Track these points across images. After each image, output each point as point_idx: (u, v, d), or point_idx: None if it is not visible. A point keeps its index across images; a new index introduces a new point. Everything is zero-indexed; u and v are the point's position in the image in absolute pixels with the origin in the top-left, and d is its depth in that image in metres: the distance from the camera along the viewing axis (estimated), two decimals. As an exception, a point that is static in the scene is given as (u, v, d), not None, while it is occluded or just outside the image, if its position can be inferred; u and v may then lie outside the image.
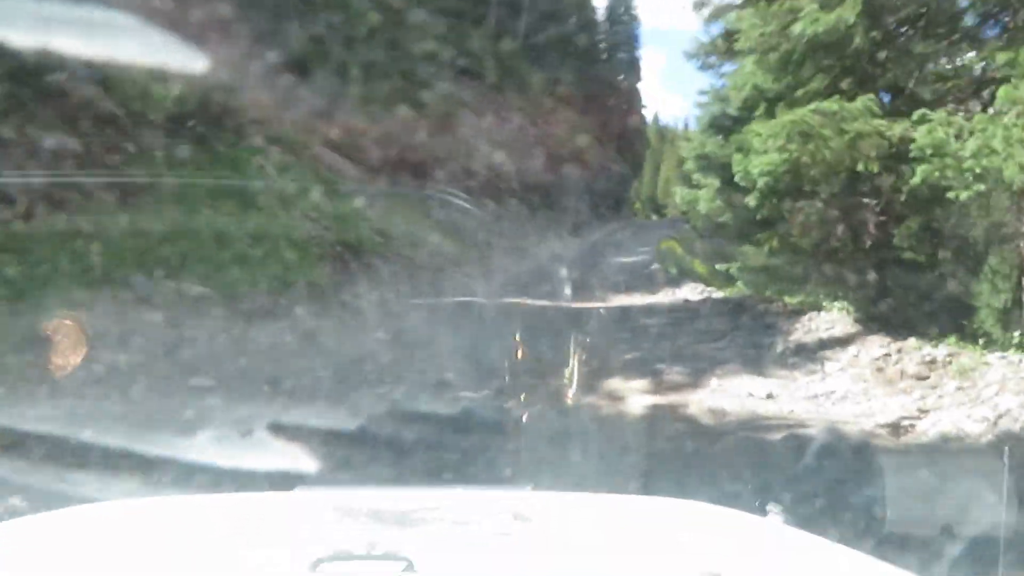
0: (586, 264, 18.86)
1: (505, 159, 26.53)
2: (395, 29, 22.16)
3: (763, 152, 7.18)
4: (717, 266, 14.05)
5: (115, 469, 4.03)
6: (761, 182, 7.27)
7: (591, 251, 23.53)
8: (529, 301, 13.08)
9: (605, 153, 39.76)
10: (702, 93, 15.10)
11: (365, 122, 20.89)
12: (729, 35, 13.77)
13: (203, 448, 4.29)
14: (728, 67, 15.67)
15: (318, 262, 12.06)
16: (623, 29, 48.45)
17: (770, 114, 7.89)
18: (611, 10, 48.15)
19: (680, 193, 14.39)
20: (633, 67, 48.10)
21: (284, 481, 2.05)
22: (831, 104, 6.81)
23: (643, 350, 7.17)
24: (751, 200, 8.11)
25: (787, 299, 10.84)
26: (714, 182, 11.99)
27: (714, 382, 6.01)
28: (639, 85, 49.06)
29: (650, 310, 10.63)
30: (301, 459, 4.08)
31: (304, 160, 17.96)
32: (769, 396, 5.44)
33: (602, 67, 44.73)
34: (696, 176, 15.10)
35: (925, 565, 2.25)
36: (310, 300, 10.17)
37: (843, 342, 6.53)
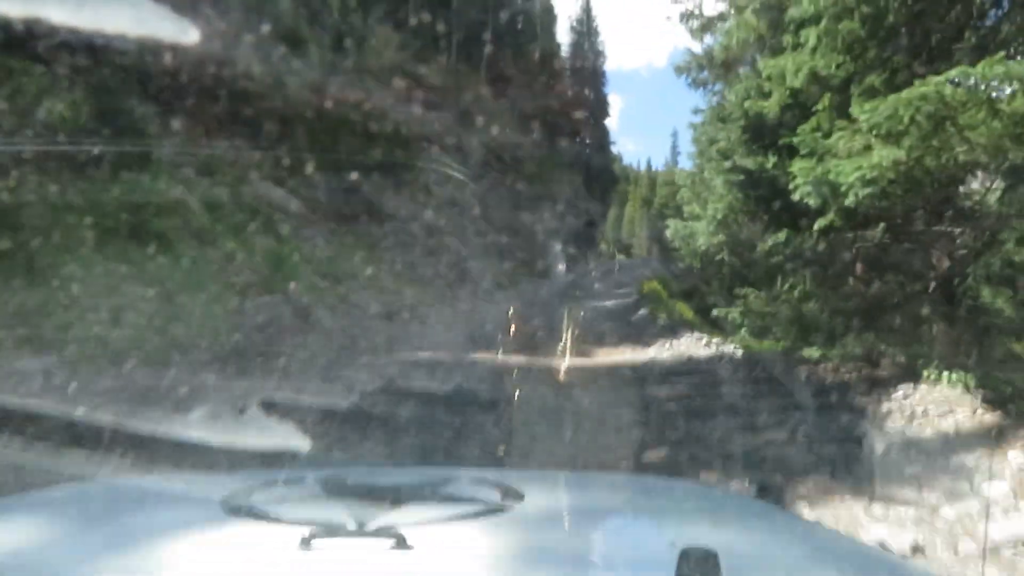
0: (563, 310, 16.86)
1: (469, 194, 24.60)
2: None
3: (859, 152, 5.18)
4: (716, 311, 12.05)
5: None
6: (853, 195, 5.18)
7: (566, 295, 21.52)
8: (500, 359, 10.95)
9: (574, 190, 38.13)
10: (696, 112, 13.39)
11: (316, 154, 18.84)
12: (725, 48, 12.13)
13: None
14: (717, 87, 14.07)
15: (235, 317, 9.79)
16: (589, 64, 47.38)
17: (840, 109, 5.91)
18: (576, 44, 47.11)
19: (674, 227, 12.54)
20: (600, 103, 46.89)
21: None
22: (969, 71, 4.76)
23: (671, 443, 5.00)
24: (821, 223, 6.05)
25: (828, 358, 8.87)
26: (717, 210, 10.10)
27: (806, 513, 3.88)
28: (606, 122, 47.83)
29: (653, 372, 8.52)
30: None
31: (239, 194, 15.76)
32: (916, 550, 3.31)
33: (570, 103, 43.43)
34: (689, 208, 13.26)
35: None
36: (201, 372, 7.92)
37: (981, 438, 4.49)
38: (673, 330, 12.01)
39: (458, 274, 19.82)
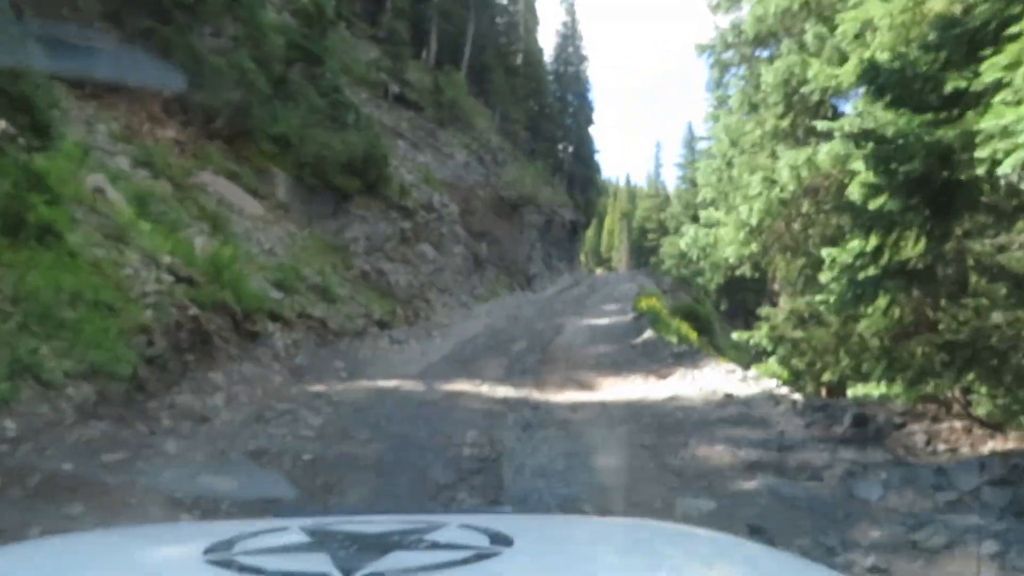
0: (552, 327, 14.81)
1: (448, 199, 22.53)
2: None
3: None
4: (736, 335, 10.08)
5: None
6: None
7: (553, 308, 19.47)
8: (479, 391, 8.92)
9: (557, 198, 36.24)
10: (721, 102, 11.47)
11: (278, 148, 16.67)
12: (759, 20, 10.23)
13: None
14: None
15: (152, 336, 7.62)
16: (573, 69, 45.68)
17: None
18: (561, 48, 45.39)
19: (692, 234, 10.63)
20: (583, 107, 45.15)
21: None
22: None
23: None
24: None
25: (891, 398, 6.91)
26: (751, 212, 8.18)
27: None
28: (591, 129, 46.06)
29: (686, 418, 6.40)
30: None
31: (184, 190, 13.56)
32: None
33: (553, 106, 41.63)
34: (708, 213, 11.29)
35: None
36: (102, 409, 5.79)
37: None
38: (689, 357, 9.98)
39: (430, 285, 17.72)
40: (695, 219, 13.42)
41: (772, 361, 9.51)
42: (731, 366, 9.08)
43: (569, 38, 44.87)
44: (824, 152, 8.37)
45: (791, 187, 8.33)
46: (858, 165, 6.83)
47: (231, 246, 12.51)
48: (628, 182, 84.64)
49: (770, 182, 8.30)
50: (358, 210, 16.61)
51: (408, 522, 1.46)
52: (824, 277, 6.92)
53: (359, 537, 1.32)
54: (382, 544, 1.24)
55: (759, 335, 10.01)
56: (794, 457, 5.00)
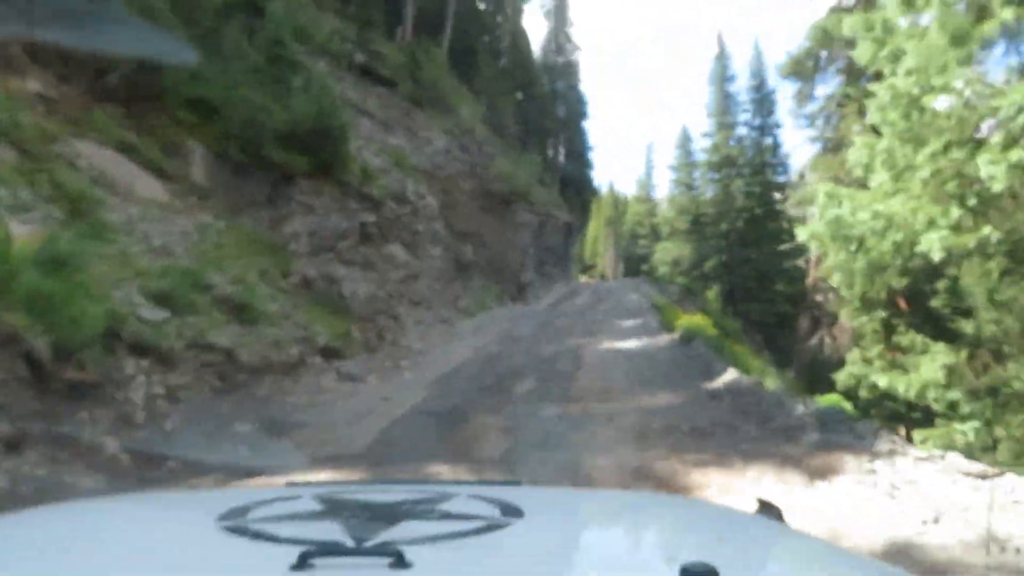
0: (567, 354, 10.71)
1: (425, 190, 18.36)
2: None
3: None
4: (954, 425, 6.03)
5: None
6: None
7: (556, 325, 15.34)
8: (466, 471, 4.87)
9: (551, 197, 32.17)
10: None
11: (197, 116, 12.46)
12: None
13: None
14: None
15: None
16: (563, 59, 41.75)
17: None
18: (550, 36, 41.43)
19: (841, 211, 6.70)
20: (577, 101, 41.13)
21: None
22: None
23: None
24: None
25: None
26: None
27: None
28: (585, 124, 42.03)
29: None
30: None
31: (37, 161, 9.40)
32: None
33: (544, 97, 37.53)
34: (854, 200, 7.21)
35: None
36: None
37: None
38: (844, 428, 5.77)
39: (400, 297, 13.52)
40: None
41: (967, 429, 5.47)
42: (927, 454, 5.00)
43: (560, 24, 40.90)
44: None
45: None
46: None
47: (92, 240, 8.33)
48: (611, 189, 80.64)
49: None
50: (303, 197, 12.41)
51: (420, 491, 1.45)
52: None
53: (371, 506, 1.32)
54: (394, 513, 1.24)
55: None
56: None
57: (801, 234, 9.47)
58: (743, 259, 37.92)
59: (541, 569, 1.10)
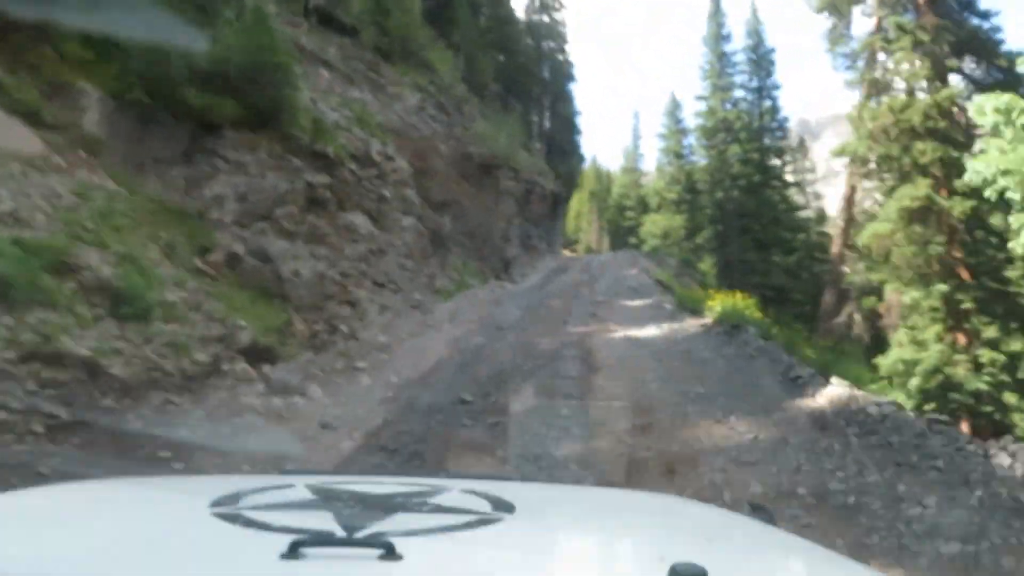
0: (572, 347, 8.28)
1: (394, 152, 15.70)
2: None
3: None
4: None
5: None
6: None
7: (550, 308, 12.85)
8: None
9: (536, 164, 29.53)
10: None
11: (93, 52, 9.73)
12: None
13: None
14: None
15: None
16: (548, 18, 38.89)
17: None
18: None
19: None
20: (562, 62, 38.31)
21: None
22: None
23: None
24: None
25: None
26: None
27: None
28: (572, 87, 39.23)
29: None
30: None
31: None
32: None
33: (529, 56, 34.70)
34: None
35: None
36: None
37: None
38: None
39: (360, 277, 10.93)
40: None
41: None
42: None
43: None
44: None
45: None
46: None
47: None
48: (595, 160, 77.81)
49: None
50: (231, 152, 9.75)
51: (412, 484, 1.43)
52: None
53: (363, 497, 1.31)
54: (386, 505, 1.23)
55: None
56: None
57: (978, 169, 7.09)
58: (740, 229, 35.56)
59: (530, 564, 1.09)
